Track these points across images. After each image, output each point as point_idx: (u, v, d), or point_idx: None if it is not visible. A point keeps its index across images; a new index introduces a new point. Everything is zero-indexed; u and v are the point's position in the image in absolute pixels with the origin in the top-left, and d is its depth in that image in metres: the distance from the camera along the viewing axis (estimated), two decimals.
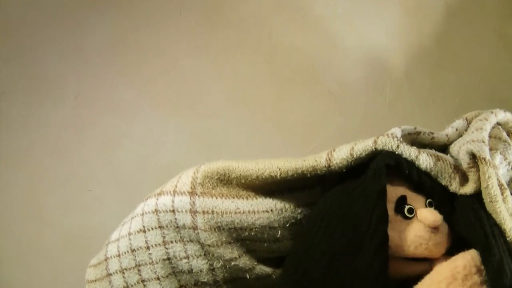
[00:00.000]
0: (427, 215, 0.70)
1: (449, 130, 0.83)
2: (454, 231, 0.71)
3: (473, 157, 0.73)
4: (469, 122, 0.84)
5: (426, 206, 0.72)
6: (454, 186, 0.72)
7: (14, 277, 1.24)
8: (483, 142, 0.74)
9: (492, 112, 0.82)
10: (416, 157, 0.72)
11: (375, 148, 0.74)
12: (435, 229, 0.69)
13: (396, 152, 0.73)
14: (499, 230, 0.69)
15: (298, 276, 0.72)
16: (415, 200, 0.72)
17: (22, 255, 1.24)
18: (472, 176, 0.72)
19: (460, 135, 0.83)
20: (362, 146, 0.75)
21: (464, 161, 0.73)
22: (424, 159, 0.72)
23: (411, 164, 0.73)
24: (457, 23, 1.27)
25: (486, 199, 0.70)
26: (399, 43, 1.27)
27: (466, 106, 1.23)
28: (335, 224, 0.71)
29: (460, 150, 0.76)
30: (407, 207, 0.72)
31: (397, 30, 1.27)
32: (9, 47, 1.26)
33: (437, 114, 1.25)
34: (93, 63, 1.27)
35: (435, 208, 0.72)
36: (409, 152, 0.73)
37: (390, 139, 0.74)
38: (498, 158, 0.74)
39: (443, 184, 0.73)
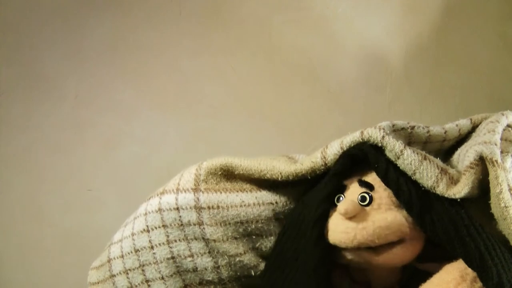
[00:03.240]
0: (340, 204, 0.70)
1: (449, 125, 0.82)
2: (438, 241, 0.69)
3: (480, 158, 0.71)
4: (474, 124, 0.83)
5: (357, 199, 0.71)
6: (441, 187, 0.70)
7: (14, 277, 1.24)
8: (496, 144, 0.72)
9: (503, 114, 0.81)
10: (401, 151, 0.71)
11: (362, 139, 0.74)
12: (349, 218, 0.69)
13: (380, 144, 0.72)
14: (494, 242, 0.67)
15: (276, 254, 0.76)
16: (352, 190, 0.73)
17: (22, 255, 1.24)
18: (467, 176, 0.70)
19: (460, 134, 0.83)
20: (350, 138, 0.75)
21: (468, 160, 0.71)
22: (409, 154, 0.71)
23: (381, 158, 0.72)
24: (457, 23, 1.27)
25: (500, 204, 0.68)
26: (399, 43, 1.27)
27: (466, 106, 1.24)
28: (305, 208, 0.75)
29: (469, 149, 0.74)
30: (338, 195, 0.73)
31: (397, 30, 1.27)
32: (9, 47, 1.26)
33: (437, 114, 1.25)
34: (93, 63, 1.27)
35: (406, 209, 0.70)
36: (393, 145, 0.71)
37: (376, 131, 0.73)
38: (509, 161, 0.73)
39: (428, 185, 0.70)
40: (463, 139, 0.84)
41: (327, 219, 0.71)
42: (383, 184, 0.71)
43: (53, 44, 1.27)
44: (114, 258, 0.84)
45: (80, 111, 1.26)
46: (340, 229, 0.69)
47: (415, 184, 0.71)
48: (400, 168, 0.71)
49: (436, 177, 0.70)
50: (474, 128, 0.84)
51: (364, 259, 0.70)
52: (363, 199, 0.71)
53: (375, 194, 0.71)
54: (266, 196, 0.81)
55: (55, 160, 1.25)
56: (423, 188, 0.71)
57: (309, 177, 0.78)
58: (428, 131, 0.79)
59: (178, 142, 1.26)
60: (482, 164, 0.71)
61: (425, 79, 1.27)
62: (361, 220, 0.69)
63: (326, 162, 0.76)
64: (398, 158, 0.71)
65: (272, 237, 0.81)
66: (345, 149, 0.75)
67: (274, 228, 0.81)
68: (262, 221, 0.80)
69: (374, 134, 0.73)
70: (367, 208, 0.70)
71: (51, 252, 1.23)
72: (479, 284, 0.64)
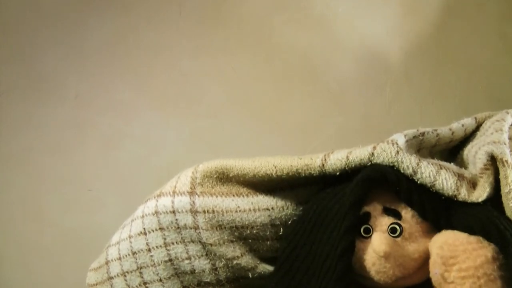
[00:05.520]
0: (375, 241, 0.67)
1: (455, 125, 0.82)
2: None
3: (491, 159, 0.70)
4: (478, 123, 0.83)
5: (387, 231, 0.69)
6: (463, 194, 0.68)
7: (14, 277, 1.24)
8: (505, 144, 0.71)
9: (507, 113, 0.80)
10: (417, 164, 0.69)
11: (372, 154, 0.72)
12: (384, 257, 0.67)
13: (395, 159, 0.70)
14: None
15: (282, 274, 0.73)
16: (380, 221, 0.70)
17: (22, 255, 1.24)
18: (484, 179, 0.69)
19: (466, 133, 0.83)
20: (360, 152, 0.73)
21: (481, 162, 0.71)
22: (426, 166, 0.69)
23: (402, 180, 0.69)
24: (457, 23, 1.27)
25: (509, 204, 0.67)
26: (399, 43, 1.27)
27: (466, 106, 1.24)
28: (317, 228, 0.72)
29: (478, 151, 0.73)
30: (364, 226, 0.70)
31: (397, 30, 1.27)
32: (9, 47, 1.26)
33: (437, 114, 1.25)
34: (93, 63, 1.27)
35: (434, 226, 0.69)
36: (409, 160, 0.70)
37: (390, 146, 0.71)
38: None
39: (449, 194, 0.68)
40: (467, 137, 0.84)
41: (353, 251, 0.68)
42: (408, 208, 0.70)
43: (53, 44, 1.27)
44: (112, 260, 0.84)
45: (80, 111, 1.26)
46: (377, 268, 0.67)
47: (436, 196, 0.69)
48: (418, 182, 0.70)
49: (456, 184, 0.69)
50: (478, 126, 0.84)
51: (399, 285, 0.69)
52: (393, 230, 0.69)
53: (404, 224, 0.69)
54: (262, 201, 0.79)
55: (55, 160, 1.25)
56: (443, 198, 0.69)
57: (303, 174, 0.76)
58: (437, 135, 0.78)
59: (178, 142, 1.26)
60: (494, 164, 0.70)
61: (425, 79, 1.27)
62: (397, 257, 0.67)
63: (325, 164, 0.74)
64: (416, 173, 0.69)
65: (268, 242, 0.80)
66: (350, 159, 0.73)
67: (270, 234, 0.79)
68: (258, 227, 0.79)
69: (387, 149, 0.71)
70: (398, 239, 0.69)
71: (51, 252, 1.23)
72: (502, 273, 0.63)
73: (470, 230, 0.66)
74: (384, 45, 1.27)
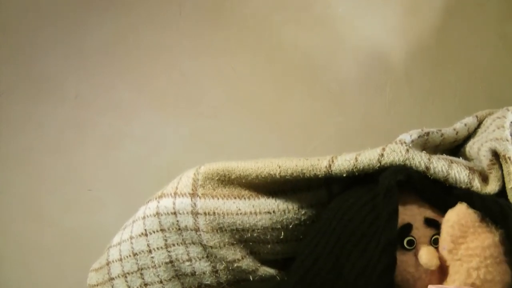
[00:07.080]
0: (425, 255, 0.66)
1: (458, 125, 0.82)
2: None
3: (495, 155, 0.71)
4: (479, 120, 0.84)
5: (430, 242, 0.68)
6: (476, 186, 0.69)
7: (14, 277, 1.24)
8: (508, 140, 0.71)
9: (508, 110, 0.80)
10: (429, 159, 0.70)
11: (382, 155, 0.71)
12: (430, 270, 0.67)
13: (406, 157, 0.70)
14: None
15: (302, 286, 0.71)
16: (423, 232, 0.69)
17: (22, 255, 1.24)
18: (494, 174, 0.70)
19: (469, 132, 0.83)
20: (369, 153, 0.73)
21: (486, 159, 0.72)
22: (437, 161, 0.70)
23: (422, 177, 0.69)
24: (457, 23, 1.27)
25: None
26: (399, 43, 1.27)
27: (466, 106, 1.24)
28: (345, 240, 0.69)
29: (481, 147, 0.74)
30: (407, 238, 0.68)
31: (398, 30, 1.27)
32: (9, 47, 1.26)
33: (437, 114, 1.25)
34: (93, 63, 1.27)
35: None
36: (420, 156, 0.70)
37: (399, 145, 0.71)
38: None
39: (463, 187, 0.69)
40: (468, 135, 0.85)
41: (395, 266, 0.66)
42: (441, 214, 0.69)
43: (53, 44, 1.26)
44: (113, 261, 0.84)
45: (80, 111, 1.26)
46: (423, 283, 0.67)
47: (450, 189, 0.70)
48: (431, 178, 0.70)
49: (468, 177, 0.69)
50: (479, 124, 0.85)
51: None
52: (436, 241, 0.68)
53: None
54: (264, 204, 0.79)
55: (55, 160, 1.25)
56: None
57: (307, 175, 0.75)
58: (442, 135, 0.79)
59: (178, 142, 1.26)
60: (498, 159, 0.71)
61: (425, 79, 1.27)
62: (440, 267, 0.67)
63: (332, 165, 0.74)
64: (428, 169, 0.70)
65: (269, 245, 0.80)
66: (359, 160, 0.72)
67: (271, 237, 0.79)
68: (258, 230, 0.78)
69: (397, 148, 0.71)
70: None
71: (51, 252, 1.23)
72: (506, 258, 0.64)
73: (486, 211, 0.66)
74: (384, 45, 1.27)
